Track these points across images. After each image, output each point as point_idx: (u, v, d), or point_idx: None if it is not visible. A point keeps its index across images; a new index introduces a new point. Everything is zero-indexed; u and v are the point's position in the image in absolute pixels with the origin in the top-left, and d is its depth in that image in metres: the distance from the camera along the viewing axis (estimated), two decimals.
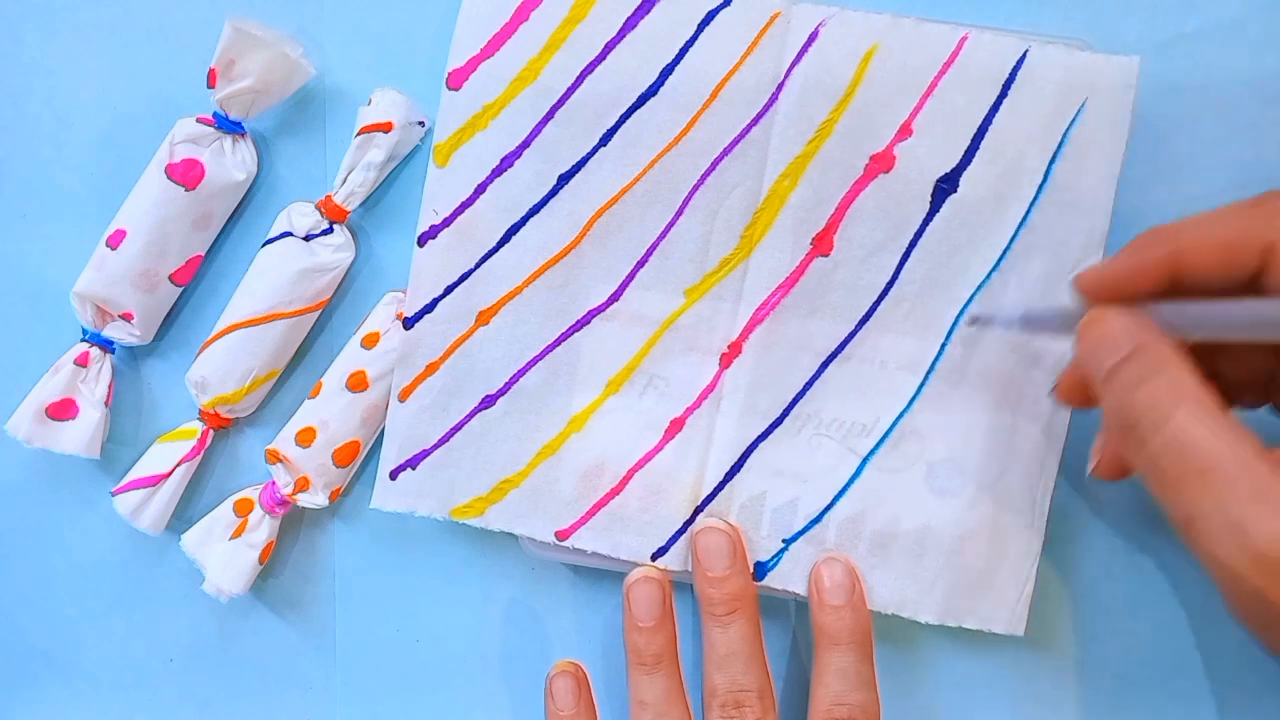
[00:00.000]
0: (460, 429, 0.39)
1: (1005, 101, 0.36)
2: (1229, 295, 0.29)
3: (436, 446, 0.39)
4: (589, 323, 0.38)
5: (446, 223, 0.38)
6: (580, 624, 0.41)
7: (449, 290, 0.38)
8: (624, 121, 0.37)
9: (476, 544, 0.41)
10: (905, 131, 0.37)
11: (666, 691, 0.37)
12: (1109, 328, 0.30)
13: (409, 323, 0.38)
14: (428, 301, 0.38)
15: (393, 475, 0.39)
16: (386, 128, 0.38)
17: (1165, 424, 0.28)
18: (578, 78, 0.37)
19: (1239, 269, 0.30)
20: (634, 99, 0.37)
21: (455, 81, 0.37)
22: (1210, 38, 0.39)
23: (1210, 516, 0.27)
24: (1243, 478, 0.26)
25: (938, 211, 0.37)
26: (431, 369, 0.38)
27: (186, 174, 0.38)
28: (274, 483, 0.40)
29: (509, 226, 0.38)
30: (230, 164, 0.39)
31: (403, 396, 0.39)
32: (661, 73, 0.37)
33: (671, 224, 0.38)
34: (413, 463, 0.39)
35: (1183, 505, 0.28)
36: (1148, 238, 0.32)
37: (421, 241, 0.38)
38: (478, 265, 0.38)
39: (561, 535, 0.39)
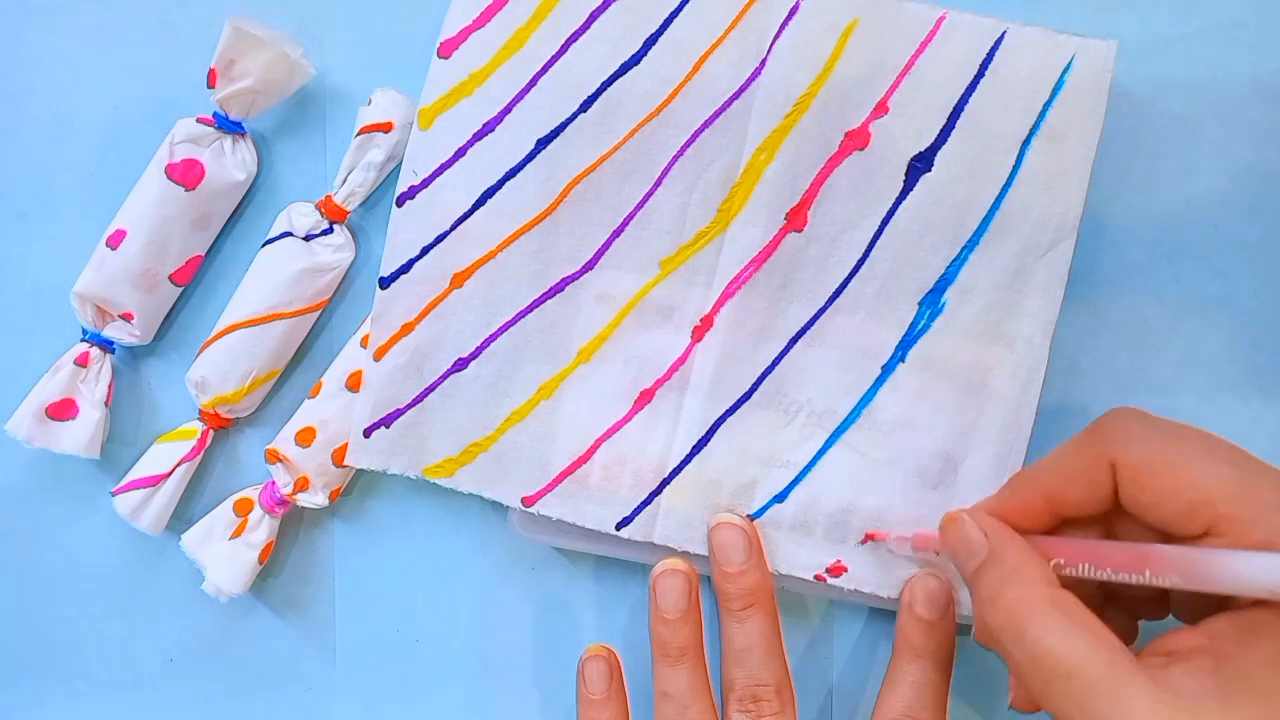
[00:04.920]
0: (434, 390, 0.38)
1: (982, 82, 0.36)
2: (1108, 518, 0.31)
3: (410, 406, 0.38)
4: (562, 290, 0.38)
5: (425, 184, 0.38)
6: (580, 624, 0.41)
7: (425, 251, 0.38)
8: (605, 89, 0.37)
9: (478, 543, 0.41)
10: (881, 109, 0.37)
11: (691, 684, 0.37)
12: (963, 531, 0.32)
13: (385, 282, 0.38)
14: (404, 262, 0.38)
15: (366, 433, 0.39)
16: (386, 128, 0.38)
17: (1023, 638, 0.28)
18: (562, 45, 0.37)
19: (1100, 494, 0.31)
20: (616, 67, 0.37)
21: (446, 51, 0.37)
22: (1210, 38, 0.39)
23: None
24: (1100, 682, 0.27)
25: (911, 190, 0.37)
26: (407, 329, 0.38)
27: (186, 174, 0.38)
28: (274, 483, 0.40)
29: (484, 190, 0.38)
30: (230, 164, 0.39)
31: (378, 355, 0.38)
32: (645, 42, 0.37)
33: (649, 195, 0.38)
34: (386, 421, 0.39)
35: (1054, 710, 0.28)
36: (1020, 479, 0.34)
37: (400, 202, 0.38)
38: (453, 227, 0.38)
39: (528, 501, 0.38)
